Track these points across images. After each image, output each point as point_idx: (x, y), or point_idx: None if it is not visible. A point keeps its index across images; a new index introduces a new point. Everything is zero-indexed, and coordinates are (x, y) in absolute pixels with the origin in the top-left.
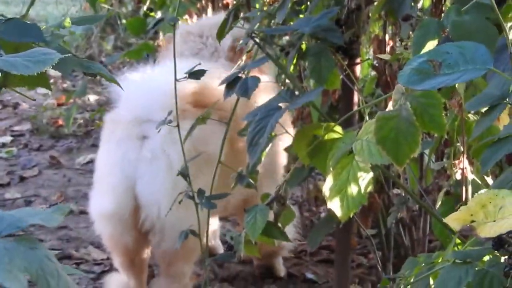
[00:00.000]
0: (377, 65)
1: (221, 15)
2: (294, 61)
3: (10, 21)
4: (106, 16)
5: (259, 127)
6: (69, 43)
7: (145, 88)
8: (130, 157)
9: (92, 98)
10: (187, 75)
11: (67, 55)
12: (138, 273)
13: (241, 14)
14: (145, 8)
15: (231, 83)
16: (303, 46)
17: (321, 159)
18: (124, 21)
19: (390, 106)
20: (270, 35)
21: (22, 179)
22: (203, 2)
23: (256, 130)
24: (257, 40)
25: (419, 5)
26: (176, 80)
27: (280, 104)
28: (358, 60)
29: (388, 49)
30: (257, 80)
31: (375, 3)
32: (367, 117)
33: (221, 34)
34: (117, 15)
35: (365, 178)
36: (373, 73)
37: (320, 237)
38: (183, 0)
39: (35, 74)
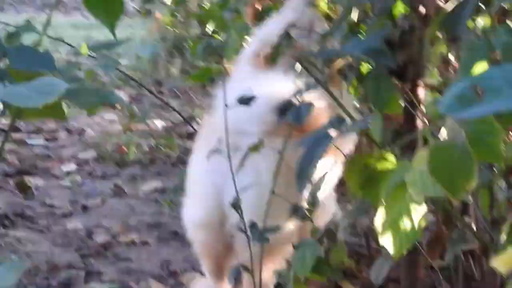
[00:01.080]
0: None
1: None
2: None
3: (22, 48)
4: (122, 43)
5: (307, 156)
6: (137, 68)
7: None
8: (222, 168)
9: (158, 123)
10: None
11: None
12: (224, 278)
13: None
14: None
15: (284, 109)
16: (363, 69)
17: (373, 191)
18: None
19: (444, 135)
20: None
21: (85, 208)
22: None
23: (303, 160)
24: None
25: (480, 24)
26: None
27: (329, 132)
28: (421, 84)
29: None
30: (310, 106)
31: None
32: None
33: (274, 58)
34: (184, 38)
35: (418, 212)
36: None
37: (384, 270)
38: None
39: (49, 105)
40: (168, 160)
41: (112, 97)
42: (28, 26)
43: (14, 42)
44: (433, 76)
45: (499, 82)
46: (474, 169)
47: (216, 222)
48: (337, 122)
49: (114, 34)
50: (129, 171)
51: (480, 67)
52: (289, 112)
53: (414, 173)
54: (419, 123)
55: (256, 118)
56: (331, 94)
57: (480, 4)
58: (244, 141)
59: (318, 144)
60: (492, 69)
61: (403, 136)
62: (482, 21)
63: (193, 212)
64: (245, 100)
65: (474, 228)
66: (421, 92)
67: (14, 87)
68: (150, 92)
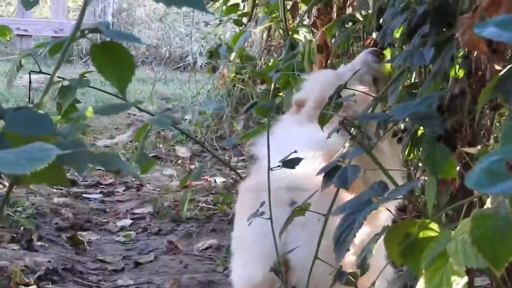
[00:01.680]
0: None
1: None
2: (408, 148)
3: (19, 110)
4: (133, 105)
5: (347, 223)
6: (200, 123)
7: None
8: (281, 223)
9: (218, 180)
10: (280, 164)
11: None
12: None
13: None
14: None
15: (330, 172)
16: (419, 132)
17: (415, 260)
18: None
19: (488, 204)
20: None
21: (137, 264)
22: None
23: (344, 227)
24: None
25: None
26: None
27: (371, 199)
28: (479, 147)
29: None
30: (357, 169)
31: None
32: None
33: (323, 119)
34: (249, 95)
35: (459, 284)
36: None
37: None
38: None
39: (48, 170)
40: (225, 218)
41: (114, 162)
42: (82, 81)
43: (68, 96)
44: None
45: None
46: None
47: (272, 282)
48: (380, 188)
49: (124, 97)
50: (184, 227)
51: None
52: (336, 175)
53: (456, 243)
54: None
55: (311, 174)
56: (375, 160)
57: None
58: (301, 195)
59: (359, 210)
60: None
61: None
62: None
63: (250, 272)
64: (291, 164)
65: None
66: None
67: (3, 153)
68: (208, 150)
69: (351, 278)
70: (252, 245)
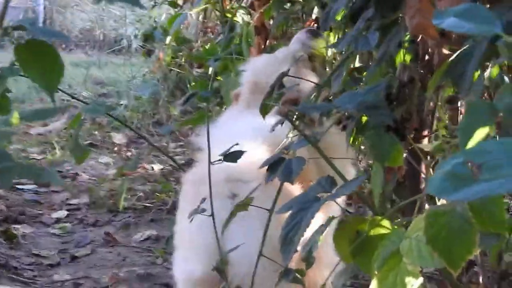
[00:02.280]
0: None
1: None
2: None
3: None
4: (62, 111)
5: (294, 222)
6: (136, 109)
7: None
8: (222, 217)
9: (156, 167)
10: (221, 158)
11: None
12: None
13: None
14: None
15: (274, 165)
16: (363, 118)
17: (366, 259)
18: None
19: (442, 200)
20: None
21: (74, 258)
22: None
23: (290, 226)
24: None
25: (486, 74)
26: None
27: (318, 195)
28: (425, 133)
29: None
30: (302, 161)
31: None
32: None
33: (265, 109)
34: (186, 79)
35: (414, 285)
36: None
37: None
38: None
39: None
40: (164, 207)
41: (44, 174)
42: (13, 70)
43: None
44: (440, 127)
45: (497, 158)
46: (475, 238)
47: (213, 277)
48: (328, 183)
49: (53, 99)
50: (122, 218)
51: (481, 133)
52: (280, 168)
53: (409, 241)
54: (423, 175)
55: (253, 166)
56: (320, 152)
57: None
58: (242, 188)
59: (306, 208)
60: (489, 142)
61: (406, 189)
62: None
63: (188, 267)
64: (233, 157)
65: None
66: (425, 143)
67: None
68: (144, 137)
69: (298, 275)
70: (193, 239)
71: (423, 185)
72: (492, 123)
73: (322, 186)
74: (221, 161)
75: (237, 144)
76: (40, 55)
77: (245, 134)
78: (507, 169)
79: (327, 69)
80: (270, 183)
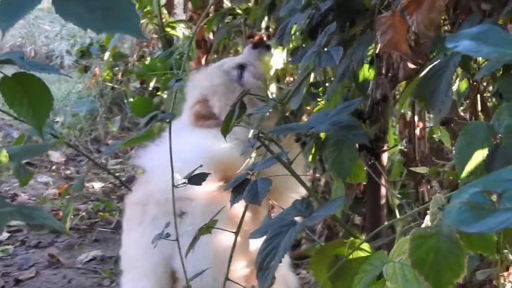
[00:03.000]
0: (405, 150)
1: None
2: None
3: None
4: (52, 144)
5: (270, 247)
6: (73, 126)
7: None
8: (170, 236)
9: (96, 185)
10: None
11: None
12: None
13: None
14: (150, 87)
15: (239, 187)
16: (322, 135)
17: (346, 284)
18: (131, 99)
19: (427, 221)
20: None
21: (18, 281)
22: None
23: (266, 252)
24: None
25: (454, 88)
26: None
27: (294, 219)
28: (385, 147)
29: (418, 131)
30: (268, 182)
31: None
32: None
33: (226, 128)
34: (123, 94)
35: None
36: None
37: None
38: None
39: None
40: (108, 226)
41: (37, 215)
42: None
43: None
44: (390, 137)
45: None
46: (463, 261)
47: None
48: (303, 206)
49: (42, 136)
50: (65, 239)
51: (479, 155)
52: (245, 189)
53: (393, 265)
54: (383, 191)
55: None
56: (293, 173)
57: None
58: (190, 205)
59: (283, 232)
60: (509, 170)
61: (364, 205)
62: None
63: (140, 286)
64: (197, 180)
65: None
66: (385, 157)
67: None
68: (83, 153)
69: None
70: (140, 259)
71: (383, 201)
72: (489, 144)
73: (298, 209)
74: (185, 184)
75: (201, 166)
76: (28, 89)
77: (191, 153)
78: None
79: (271, 83)
80: (214, 201)
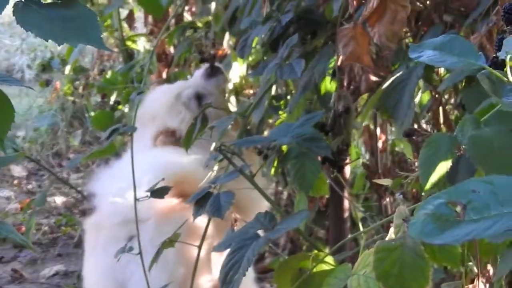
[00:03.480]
0: (368, 162)
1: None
2: (274, 165)
3: None
4: (16, 158)
5: (233, 260)
6: (34, 140)
7: (125, 187)
8: (121, 261)
9: (58, 200)
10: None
11: None
12: None
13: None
14: (111, 101)
15: (201, 200)
16: (284, 148)
17: None
18: (92, 113)
19: (391, 234)
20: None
21: None
22: None
23: (229, 265)
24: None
25: (416, 100)
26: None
27: (258, 232)
28: (347, 160)
29: (380, 144)
30: (231, 196)
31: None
32: (362, 241)
33: (188, 141)
34: (84, 108)
35: None
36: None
37: None
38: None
39: None
40: (71, 241)
41: (2, 229)
42: None
43: None
44: (352, 150)
45: (484, 198)
46: (428, 273)
47: None
48: (267, 219)
49: (3, 149)
50: (28, 253)
51: (443, 166)
52: (207, 203)
53: (357, 278)
54: (346, 204)
55: (149, 204)
56: (256, 186)
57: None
58: (139, 229)
59: (246, 245)
60: (474, 180)
61: (326, 218)
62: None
63: None
64: (159, 193)
65: None
66: (347, 170)
67: None
68: (45, 168)
69: None
70: (96, 283)
71: (346, 214)
72: (453, 156)
73: (261, 222)
74: (148, 197)
75: (163, 179)
76: None
77: (148, 167)
78: (494, 209)
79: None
80: (164, 220)
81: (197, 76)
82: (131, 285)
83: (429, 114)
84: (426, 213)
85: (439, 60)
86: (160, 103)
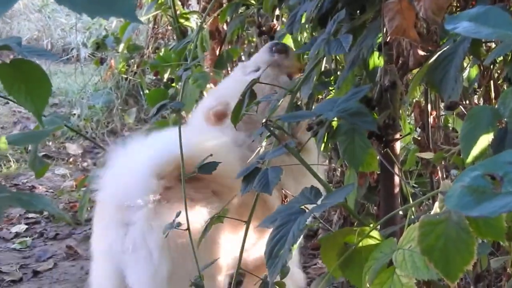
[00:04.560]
0: (419, 138)
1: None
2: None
3: None
4: (53, 130)
5: (279, 235)
6: (89, 118)
7: (123, 172)
8: (117, 248)
9: None
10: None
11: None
12: None
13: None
14: (165, 78)
15: (249, 175)
16: (334, 123)
17: (356, 271)
18: (146, 91)
19: (436, 208)
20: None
21: (36, 273)
22: (229, 69)
23: (275, 240)
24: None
25: (465, 74)
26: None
27: (303, 207)
28: (397, 135)
29: (431, 119)
30: (279, 171)
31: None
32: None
33: (236, 117)
34: (139, 86)
35: None
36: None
37: None
38: (207, 69)
39: None
40: None
41: (37, 202)
42: None
43: None
44: (405, 126)
45: None
46: (473, 247)
47: None
48: (312, 194)
49: (41, 122)
50: (82, 230)
51: (485, 139)
52: (256, 179)
53: (402, 252)
54: (396, 180)
55: (142, 187)
56: (302, 161)
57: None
58: (133, 215)
59: (291, 220)
60: (511, 152)
61: (377, 194)
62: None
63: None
64: (207, 169)
65: None
66: (397, 146)
67: None
68: (100, 146)
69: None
70: (99, 265)
71: (397, 189)
72: (494, 129)
73: (306, 197)
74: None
75: (211, 155)
76: (26, 74)
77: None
78: None
79: None
80: (160, 210)
81: (262, 52)
82: (128, 275)
83: (481, 89)
84: (463, 185)
85: (474, 31)
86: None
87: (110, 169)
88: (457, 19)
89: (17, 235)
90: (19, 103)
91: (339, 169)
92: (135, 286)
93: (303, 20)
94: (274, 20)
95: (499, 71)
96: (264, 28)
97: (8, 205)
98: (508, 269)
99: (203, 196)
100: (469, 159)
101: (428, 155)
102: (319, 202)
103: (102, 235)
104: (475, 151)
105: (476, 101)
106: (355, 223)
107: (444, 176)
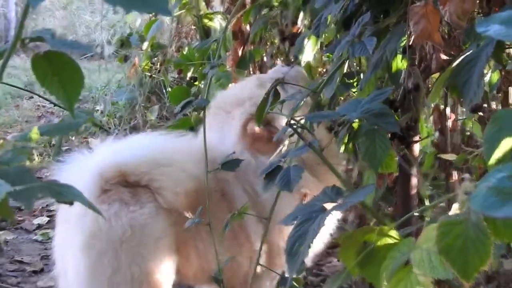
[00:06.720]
0: (437, 141)
1: (251, 86)
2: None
3: None
4: (83, 123)
5: (300, 232)
6: (113, 114)
7: (72, 173)
8: (63, 243)
9: None
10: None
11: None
12: None
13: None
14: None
15: (271, 173)
16: (355, 124)
17: (374, 270)
18: (169, 89)
19: (455, 209)
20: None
21: None
22: (251, 69)
23: (296, 236)
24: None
25: (486, 79)
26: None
27: (324, 205)
28: (416, 138)
29: (449, 123)
30: (301, 170)
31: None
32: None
33: (260, 116)
34: (162, 83)
35: None
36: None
37: None
38: (229, 69)
39: None
40: None
41: (67, 192)
42: None
43: None
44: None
45: None
46: (490, 248)
47: None
48: (333, 193)
49: (73, 114)
50: None
51: (508, 142)
52: (278, 177)
53: (420, 252)
54: (414, 181)
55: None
56: (324, 160)
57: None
58: (71, 213)
59: (312, 218)
60: None
61: (396, 193)
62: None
63: None
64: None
65: None
66: (416, 148)
67: None
68: None
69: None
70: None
71: (414, 191)
72: None
73: (328, 196)
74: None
75: (234, 153)
76: (59, 66)
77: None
78: None
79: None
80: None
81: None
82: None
83: (500, 94)
84: (488, 186)
85: (505, 34)
86: (246, 91)
87: (67, 168)
88: (488, 22)
89: (39, 226)
90: (51, 94)
91: (356, 171)
92: (70, 278)
93: (328, 23)
94: (299, 22)
95: None
96: (286, 34)
97: (38, 195)
98: None
99: (137, 200)
100: (492, 161)
101: (450, 156)
102: (339, 201)
103: (56, 230)
104: (498, 153)
105: (494, 106)
106: (371, 223)
107: (460, 178)
